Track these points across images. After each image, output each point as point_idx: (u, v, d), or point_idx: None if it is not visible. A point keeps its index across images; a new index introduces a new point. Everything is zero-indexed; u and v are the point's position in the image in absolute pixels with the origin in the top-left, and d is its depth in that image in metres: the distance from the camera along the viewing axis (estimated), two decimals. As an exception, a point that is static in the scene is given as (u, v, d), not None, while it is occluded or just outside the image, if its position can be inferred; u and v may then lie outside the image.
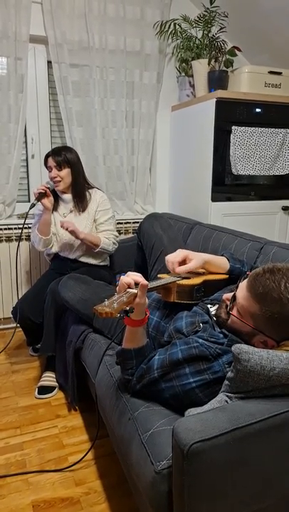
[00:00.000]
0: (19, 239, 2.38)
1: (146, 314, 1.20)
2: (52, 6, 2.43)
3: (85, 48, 2.56)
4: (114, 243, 2.27)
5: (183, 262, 1.52)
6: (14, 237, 2.63)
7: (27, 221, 2.53)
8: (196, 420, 0.93)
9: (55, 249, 2.26)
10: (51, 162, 2.16)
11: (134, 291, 1.13)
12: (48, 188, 2.13)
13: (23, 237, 2.65)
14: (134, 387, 1.24)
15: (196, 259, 1.51)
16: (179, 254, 1.52)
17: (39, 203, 2.14)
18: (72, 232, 2.08)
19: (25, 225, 2.60)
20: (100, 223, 2.27)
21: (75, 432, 1.75)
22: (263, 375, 1.00)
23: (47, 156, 2.19)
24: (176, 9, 2.76)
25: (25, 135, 2.70)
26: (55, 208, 2.24)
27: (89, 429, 1.77)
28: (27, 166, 2.76)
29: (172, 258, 1.51)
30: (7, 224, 2.60)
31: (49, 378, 2.06)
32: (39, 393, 2.00)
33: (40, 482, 1.48)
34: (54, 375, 2.07)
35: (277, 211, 2.65)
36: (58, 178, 2.16)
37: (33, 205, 2.15)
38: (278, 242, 1.79)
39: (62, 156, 2.16)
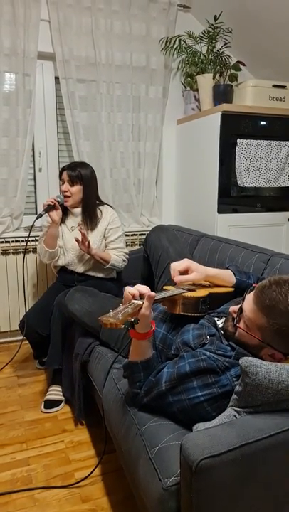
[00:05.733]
0: (24, 251, 2.39)
1: (151, 327, 1.20)
2: (59, 24, 2.48)
3: (92, 64, 2.61)
4: (124, 260, 2.27)
5: (185, 272, 1.52)
6: (21, 250, 2.65)
7: (36, 233, 2.54)
8: (204, 435, 0.92)
9: (62, 262, 2.26)
10: (65, 176, 2.19)
11: (140, 302, 1.13)
12: (58, 201, 2.15)
13: (30, 249, 2.66)
14: (142, 401, 1.23)
15: (198, 272, 1.52)
16: (183, 263, 1.53)
17: (47, 214, 2.16)
18: (81, 244, 2.08)
19: (32, 238, 2.61)
20: (110, 241, 2.27)
21: (82, 447, 1.73)
22: (272, 388, 0.98)
23: (62, 169, 2.22)
24: (181, 25, 2.80)
25: (33, 149, 2.73)
26: (63, 220, 2.26)
27: (96, 444, 1.75)
28: (34, 179, 2.79)
29: (174, 266, 1.53)
30: (14, 237, 2.62)
31: (55, 392, 2.05)
32: (45, 407, 1.98)
33: (46, 498, 1.46)
34: (60, 389, 2.06)
35: (283, 223, 2.65)
36: (68, 193, 2.19)
37: (39, 216, 2.15)
38: (285, 253, 1.78)
39: (77, 172, 2.18)
